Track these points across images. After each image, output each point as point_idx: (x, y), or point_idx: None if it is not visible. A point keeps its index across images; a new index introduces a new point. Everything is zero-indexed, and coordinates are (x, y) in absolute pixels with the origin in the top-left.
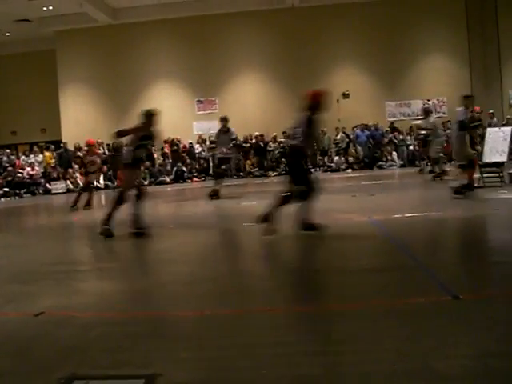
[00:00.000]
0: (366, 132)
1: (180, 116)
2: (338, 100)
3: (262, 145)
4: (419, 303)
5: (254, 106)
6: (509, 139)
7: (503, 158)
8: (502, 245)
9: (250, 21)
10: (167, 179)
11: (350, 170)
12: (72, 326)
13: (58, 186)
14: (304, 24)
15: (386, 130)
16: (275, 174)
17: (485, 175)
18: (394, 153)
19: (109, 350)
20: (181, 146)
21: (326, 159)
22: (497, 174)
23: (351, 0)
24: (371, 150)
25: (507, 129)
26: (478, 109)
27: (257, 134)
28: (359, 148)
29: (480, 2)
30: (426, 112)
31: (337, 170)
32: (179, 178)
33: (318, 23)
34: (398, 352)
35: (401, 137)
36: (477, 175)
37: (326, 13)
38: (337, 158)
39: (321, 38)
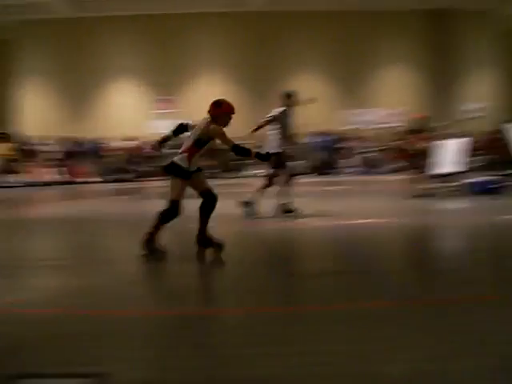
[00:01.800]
0: (325, 138)
1: (138, 114)
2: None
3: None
4: (367, 307)
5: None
6: (465, 150)
7: (457, 168)
8: (450, 253)
9: (213, 22)
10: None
11: (307, 175)
12: (17, 323)
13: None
14: (266, 28)
15: (343, 137)
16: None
17: (440, 185)
18: (351, 159)
19: (55, 348)
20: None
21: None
22: (452, 184)
23: (314, 8)
24: (328, 157)
25: (462, 140)
26: (421, 115)
27: None
28: (316, 154)
29: (440, 16)
30: None
31: (295, 175)
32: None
33: (280, 28)
34: (346, 355)
35: (359, 144)
36: (432, 185)
37: (289, 19)
38: (295, 162)
39: (282, 44)
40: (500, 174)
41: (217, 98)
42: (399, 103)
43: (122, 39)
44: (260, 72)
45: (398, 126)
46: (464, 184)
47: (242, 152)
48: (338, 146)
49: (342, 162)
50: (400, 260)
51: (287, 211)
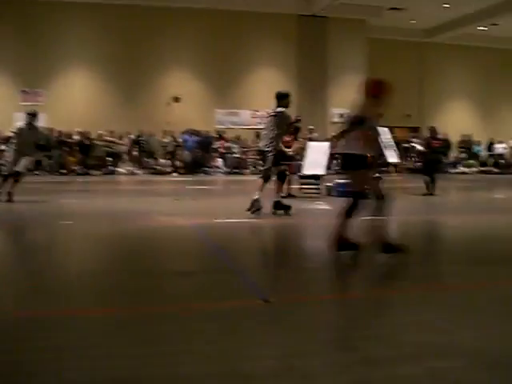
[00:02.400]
0: (194, 137)
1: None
2: (168, 103)
3: (89, 142)
4: (230, 306)
5: (82, 101)
6: (327, 154)
7: (321, 171)
8: (312, 252)
9: (81, 15)
10: None
11: (175, 174)
12: None
13: None
14: (140, 24)
15: (214, 137)
16: (100, 172)
17: (304, 187)
18: (220, 159)
19: None
20: None
21: (152, 161)
22: (315, 186)
23: (190, 5)
24: (198, 156)
25: (326, 144)
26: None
27: (80, 130)
28: (186, 152)
29: (311, 22)
30: None
31: (163, 173)
32: None
33: (154, 24)
34: (206, 354)
35: (227, 144)
36: (296, 186)
37: (163, 15)
38: (163, 160)
39: (155, 40)
40: None
41: (377, 79)
42: (269, 105)
43: None
44: (131, 69)
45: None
46: (326, 186)
47: None
48: (209, 145)
49: (212, 162)
50: (262, 258)
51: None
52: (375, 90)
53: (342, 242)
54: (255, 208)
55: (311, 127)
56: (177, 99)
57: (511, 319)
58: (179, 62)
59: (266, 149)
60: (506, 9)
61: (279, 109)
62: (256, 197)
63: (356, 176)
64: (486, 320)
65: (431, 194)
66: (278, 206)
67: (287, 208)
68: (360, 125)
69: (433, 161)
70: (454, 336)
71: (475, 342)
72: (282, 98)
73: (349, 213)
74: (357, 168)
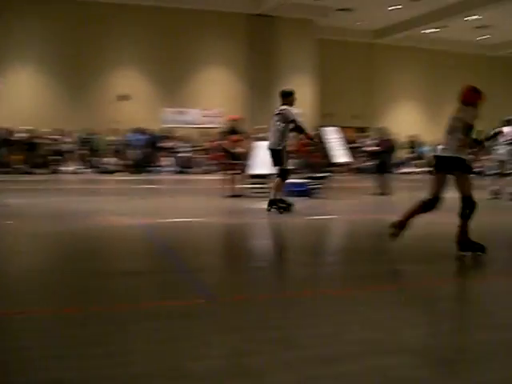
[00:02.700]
0: (142, 136)
1: None
2: (114, 101)
3: (34, 140)
4: (177, 306)
5: (28, 99)
6: None
7: (269, 170)
8: (259, 251)
9: (28, 11)
10: None
11: (122, 173)
12: None
13: None
14: (86, 21)
15: (162, 136)
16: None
17: (252, 186)
18: (167, 159)
19: None
20: None
21: (99, 160)
22: (264, 186)
23: (139, 2)
24: (145, 154)
25: None
26: (234, 117)
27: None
28: (133, 151)
29: (260, 22)
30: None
31: (109, 172)
32: None
33: (101, 22)
34: (154, 354)
35: (175, 143)
36: (245, 185)
37: (109, 12)
38: (110, 159)
39: (102, 38)
40: (311, 176)
41: (472, 87)
42: (218, 104)
43: None
44: (79, 66)
45: (215, 127)
46: None
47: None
48: (157, 144)
49: (160, 161)
50: (210, 258)
51: None
52: (472, 99)
53: (465, 242)
54: (282, 207)
55: (260, 127)
56: (125, 97)
57: (456, 316)
58: (127, 60)
59: (278, 147)
60: (453, 12)
61: (283, 106)
62: (277, 197)
63: (462, 179)
64: (431, 318)
65: (383, 194)
66: (271, 203)
67: (289, 205)
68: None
69: (384, 161)
70: (400, 334)
71: (420, 340)
72: (286, 96)
73: (466, 216)
74: (463, 171)
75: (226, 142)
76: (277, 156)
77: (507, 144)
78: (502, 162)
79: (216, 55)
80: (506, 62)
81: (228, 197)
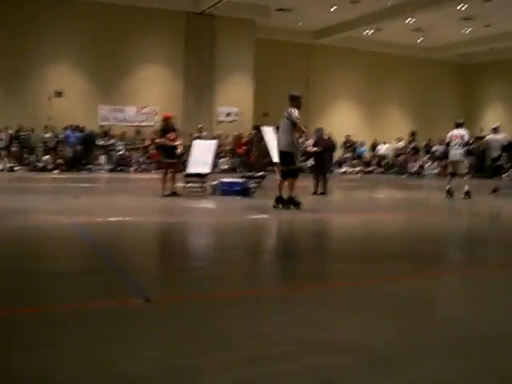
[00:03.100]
0: (77, 133)
1: None
2: (49, 98)
3: None
4: (111, 306)
5: None
6: (213, 152)
7: (206, 169)
8: (196, 250)
9: None
10: None
11: (57, 171)
12: None
13: None
14: (20, 13)
15: (99, 133)
16: None
17: (188, 185)
18: (103, 156)
19: None
20: None
21: (33, 158)
22: (199, 185)
23: None
24: (81, 152)
25: (211, 142)
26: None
27: None
28: (68, 149)
29: (199, 20)
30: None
31: (44, 170)
32: None
33: (35, 14)
34: (87, 356)
35: (111, 141)
36: (181, 184)
37: (44, 5)
38: (45, 157)
39: (36, 31)
40: (249, 176)
41: None
42: (154, 102)
43: None
44: (12, 59)
45: (150, 125)
46: (213, 184)
47: None
48: (93, 141)
49: (96, 159)
50: (146, 257)
51: None
52: None
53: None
54: (295, 204)
55: (200, 125)
56: (59, 94)
57: (393, 315)
58: (62, 55)
59: (290, 150)
60: (390, 14)
61: (290, 109)
62: (293, 195)
63: None
64: (369, 317)
65: (323, 193)
66: (289, 201)
67: (298, 204)
68: None
69: (323, 161)
70: (337, 333)
71: (357, 339)
72: (294, 100)
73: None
74: None
75: (162, 139)
76: (289, 157)
77: (459, 146)
78: (456, 164)
79: (155, 53)
80: (443, 65)
81: (165, 196)
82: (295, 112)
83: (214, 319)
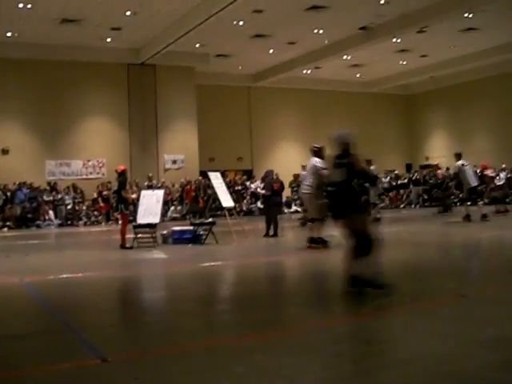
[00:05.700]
0: (25, 190)
1: None
2: None
3: None
4: (65, 368)
5: None
6: (161, 201)
7: (156, 219)
8: (152, 304)
9: None
10: None
11: (5, 229)
12: None
13: None
14: None
15: (46, 189)
16: None
17: (138, 236)
18: (52, 212)
19: None
20: None
21: None
22: (150, 235)
23: (19, 55)
24: (30, 209)
25: (160, 192)
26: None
27: None
28: (17, 206)
29: (140, 71)
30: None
31: None
32: None
33: None
34: None
35: (59, 196)
36: (131, 236)
37: None
38: None
39: None
40: (197, 223)
41: None
42: (100, 154)
43: None
44: None
45: (98, 178)
46: (164, 234)
47: None
48: (41, 197)
49: (45, 214)
50: (100, 315)
51: None
52: None
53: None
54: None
55: (150, 174)
56: (5, 152)
57: (352, 358)
58: (7, 112)
59: (306, 191)
60: (327, 53)
61: (314, 160)
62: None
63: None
64: (328, 361)
65: (275, 235)
66: (315, 241)
67: (325, 242)
68: None
69: (273, 202)
70: (297, 381)
71: None
72: (317, 151)
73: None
74: None
75: (129, 193)
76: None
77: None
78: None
79: (99, 105)
80: (384, 98)
81: (118, 248)
82: (314, 161)
83: (173, 375)
